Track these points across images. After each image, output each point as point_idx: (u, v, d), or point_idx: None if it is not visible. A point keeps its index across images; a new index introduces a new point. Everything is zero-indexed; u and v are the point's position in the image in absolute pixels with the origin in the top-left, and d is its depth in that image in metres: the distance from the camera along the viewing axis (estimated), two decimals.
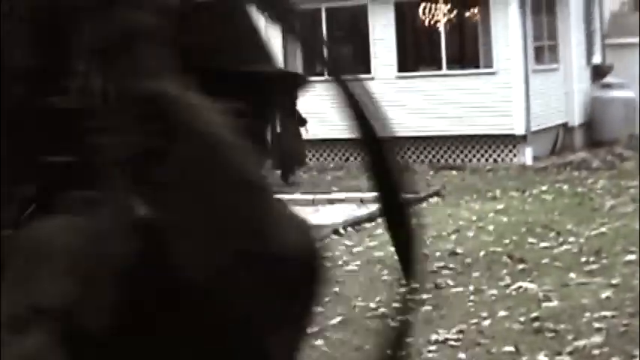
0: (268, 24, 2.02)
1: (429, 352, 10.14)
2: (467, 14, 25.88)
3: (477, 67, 25.45)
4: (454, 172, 24.06)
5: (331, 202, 21.50)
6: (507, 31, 24.62)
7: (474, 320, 11.12)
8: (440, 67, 25.56)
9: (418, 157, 25.28)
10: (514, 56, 24.57)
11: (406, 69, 25.66)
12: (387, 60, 25.66)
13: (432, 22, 25.75)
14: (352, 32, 26.76)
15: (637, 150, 24.96)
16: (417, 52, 26.41)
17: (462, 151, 25.12)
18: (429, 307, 11.80)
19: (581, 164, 23.82)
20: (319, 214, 19.99)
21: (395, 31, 25.70)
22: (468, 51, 26.11)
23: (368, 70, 25.76)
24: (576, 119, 27.09)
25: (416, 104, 24.97)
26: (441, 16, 25.61)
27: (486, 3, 25.19)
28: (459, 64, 25.63)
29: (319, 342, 10.69)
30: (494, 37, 24.98)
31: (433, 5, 25.74)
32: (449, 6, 25.70)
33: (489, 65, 25.13)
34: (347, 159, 25.70)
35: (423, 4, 25.86)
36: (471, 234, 16.17)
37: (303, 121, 22.29)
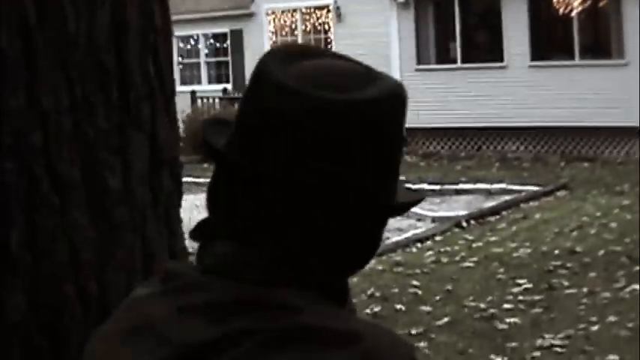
0: None
1: (532, 358, 9.95)
2: (600, 4, 25.39)
3: (610, 57, 24.97)
4: (585, 164, 23.71)
5: (458, 192, 21.37)
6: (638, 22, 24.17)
7: (583, 325, 10.88)
8: (572, 57, 25.18)
9: (550, 147, 24.88)
10: None
11: (539, 58, 25.32)
12: (520, 49, 25.35)
13: (566, 11, 25.34)
14: (485, 20, 26.47)
15: None
16: (549, 41, 26.00)
17: (594, 143, 24.67)
18: (539, 310, 11.65)
19: None
20: (444, 205, 19.97)
21: (528, 20, 25.37)
22: (601, 41, 25.63)
23: (501, 59, 25.54)
24: None
25: (548, 94, 24.64)
26: (576, 4, 25.20)
27: None
28: (591, 54, 25.20)
29: (422, 344, 10.59)
30: (626, 28, 24.47)
31: None
32: None
33: (621, 56, 24.63)
34: (479, 148, 25.46)
35: None
36: (593, 231, 15.86)
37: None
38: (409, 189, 1.92)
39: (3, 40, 2.26)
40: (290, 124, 1.68)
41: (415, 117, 26.00)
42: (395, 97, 1.81)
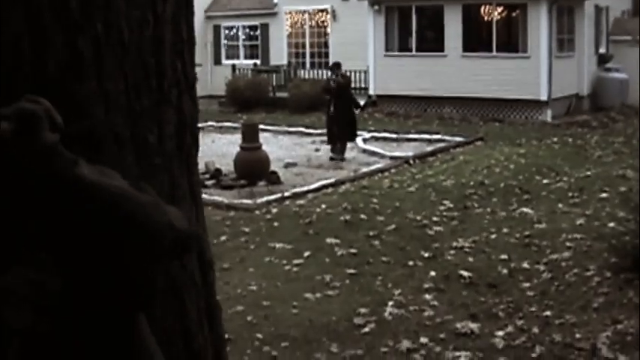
0: None
1: (449, 255, 9.99)
2: (513, 14, 25.20)
3: (517, 51, 24.81)
4: (497, 124, 23.60)
5: (409, 140, 21.27)
6: (539, 27, 24.00)
7: (485, 234, 10.92)
8: (492, 50, 25.02)
9: (474, 111, 24.76)
10: (542, 45, 23.97)
11: (469, 50, 25.15)
12: (456, 43, 25.21)
13: (489, 18, 25.16)
14: (432, 22, 26.24)
15: (626, 115, 24.40)
16: (476, 39, 25.69)
17: (503, 110, 24.53)
18: (456, 222, 11.67)
19: (584, 123, 23.09)
20: (399, 148, 19.86)
21: (462, 23, 25.18)
22: (511, 39, 25.37)
23: (442, 50, 25.42)
24: (585, 91, 26.31)
25: (474, 75, 24.56)
26: (495, 13, 25.02)
27: (524, 7, 24.48)
28: (504, 48, 25.00)
29: (376, 242, 10.64)
30: (529, 31, 24.32)
31: (490, 7, 25.12)
32: (501, 8, 25.04)
33: (525, 51, 24.49)
34: (425, 110, 25.37)
35: (490, 6, 25.23)
36: (497, 170, 15.83)
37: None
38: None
39: (80, 45, 2.30)
40: None
41: (383, 87, 26.01)
42: None
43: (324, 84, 19.75)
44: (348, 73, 21.00)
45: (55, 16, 2.27)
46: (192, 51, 2.69)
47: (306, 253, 10.08)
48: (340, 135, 18.40)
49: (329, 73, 20.20)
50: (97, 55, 2.34)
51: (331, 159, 18.34)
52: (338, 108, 18.43)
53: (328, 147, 18.99)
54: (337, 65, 19.33)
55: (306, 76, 29.31)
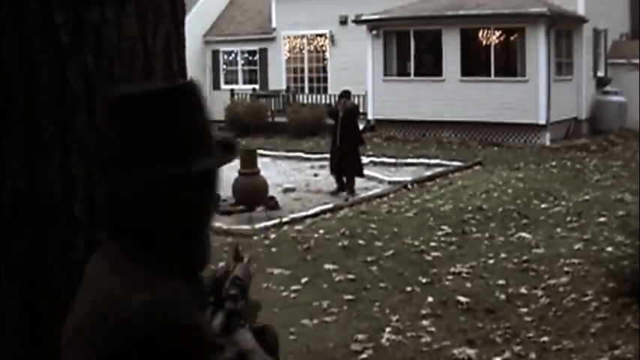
0: None
1: (447, 280, 9.99)
2: (511, 38, 25.25)
3: (515, 75, 24.87)
4: (495, 148, 23.61)
5: (407, 164, 21.32)
6: (537, 51, 24.08)
7: (483, 259, 10.91)
8: (490, 75, 25.08)
9: (472, 135, 24.80)
10: (541, 69, 24.05)
11: (467, 74, 25.21)
12: (454, 68, 25.28)
13: (487, 42, 25.22)
14: (431, 47, 26.29)
15: (625, 138, 24.46)
16: (474, 63, 25.77)
17: (502, 134, 24.54)
18: (454, 247, 11.67)
19: (583, 147, 23.13)
20: (397, 173, 19.91)
21: (460, 48, 25.26)
22: (509, 63, 25.41)
23: (440, 74, 25.49)
24: (584, 114, 26.37)
25: (472, 99, 24.62)
26: (493, 38, 25.10)
27: (522, 31, 24.58)
28: (502, 73, 25.05)
29: (374, 268, 10.63)
30: (527, 56, 24.39)
31: (488, 31, 25.19)
32: (499, 32, 25.10)
33: (523, 75, 24.56)
34: (423, 135, 25.40)
35: (488, 30, 25.31)
36: (496, 194, 15.81)
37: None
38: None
39: (71, 79, 2.33)
40: None
41: (382, 112, 26.07)
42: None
43: (331, 107, 19.32)
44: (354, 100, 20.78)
45: (46, 47, 2.30)
46: (184, 78, 2.71)
47: (304, 279, 10.08)
48: (348, 169, 17.51)
49: (337, 98, 19.48)
50: (87, 87, 2.35)
51: (345, 199, 16.73)
52: (343, 139, 17.31)
53: (326, 172, 18.95)
54: (347, 93, 18.50)
55: (305, 101, 29.38)
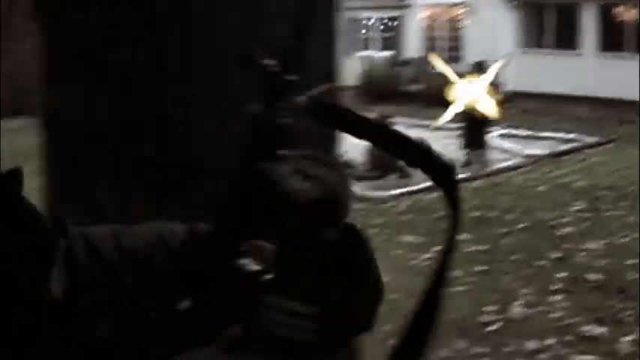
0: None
1: (578, 257, 9.99)
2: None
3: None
4: (632, 126, 22.90)
5: (542, 138, 20.98)
6: None
7: (615, 238, 10.80)
8: (627, 51, 24.46)
9: (610, 113, 24.18)
10: None
11: (605, 49, 24.71)
12: (591, 41, 24.79)
13: (626, 19, 24.63)
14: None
15: None
16: (614, 38, 25.20)
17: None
18: (587, 224, 11.61)
19: None
20: (533, 146, 19.59)
21: (599, 23, 24.73)
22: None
23: (577, 47, 25.06)
24: None
25: (613, 76, 24.13)
26: (626, 14, 24.48)
27: None
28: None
29: (505, 240, 10.69)
30: None
31: (626, 7, 24.57)
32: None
33: None
34: (559, 108, 24.99)
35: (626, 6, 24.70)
36: (630, 172, 15.33)
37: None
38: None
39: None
40: None
41: (518, 83, 25.75)
42: None
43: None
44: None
45: None
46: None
47: (436, 248, 10.26)
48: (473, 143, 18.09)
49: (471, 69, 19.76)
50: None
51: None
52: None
53: (459, 142, 18.96)
54: (480, 64, 18.91)
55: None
